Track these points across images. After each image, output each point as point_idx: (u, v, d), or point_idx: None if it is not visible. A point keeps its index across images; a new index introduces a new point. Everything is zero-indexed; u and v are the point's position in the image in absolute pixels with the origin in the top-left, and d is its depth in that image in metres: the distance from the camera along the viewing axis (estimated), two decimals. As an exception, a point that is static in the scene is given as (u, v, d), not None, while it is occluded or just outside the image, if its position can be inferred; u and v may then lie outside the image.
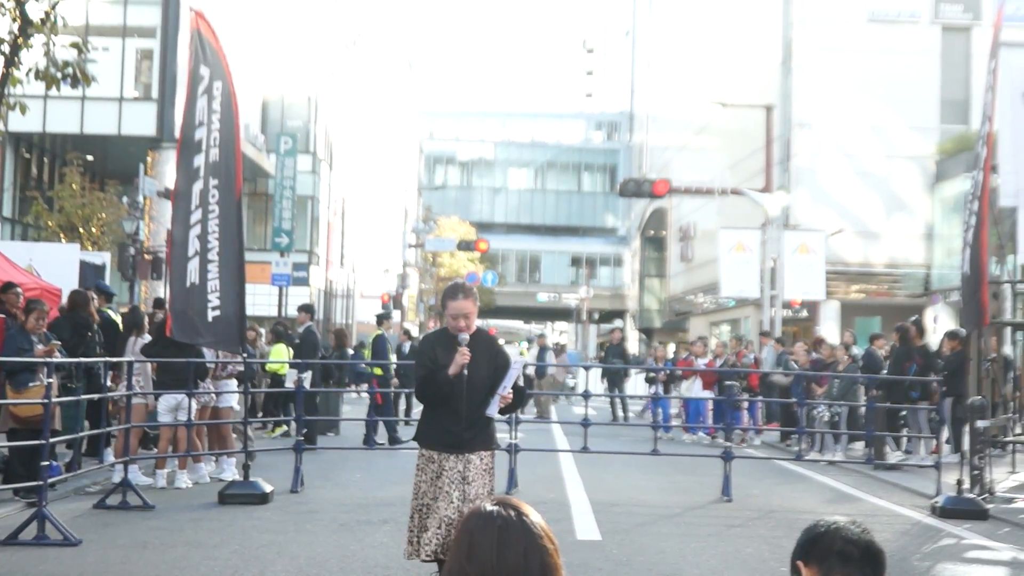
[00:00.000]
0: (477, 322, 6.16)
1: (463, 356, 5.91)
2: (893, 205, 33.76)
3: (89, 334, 11.48)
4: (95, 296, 13.07)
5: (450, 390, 5.93)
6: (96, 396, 11.68)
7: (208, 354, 11.68)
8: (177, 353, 10.89)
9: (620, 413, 23.58)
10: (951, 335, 15.47)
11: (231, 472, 11.87)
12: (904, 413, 15.68)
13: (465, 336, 5.98)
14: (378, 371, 17.68)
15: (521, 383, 6.15)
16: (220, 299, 10.46)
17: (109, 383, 11.84)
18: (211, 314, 10.44)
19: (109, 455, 12.31)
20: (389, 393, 17.73)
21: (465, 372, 5.92)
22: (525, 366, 22.08)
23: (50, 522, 8.15)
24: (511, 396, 5.95)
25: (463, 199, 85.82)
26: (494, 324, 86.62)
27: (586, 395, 18.87)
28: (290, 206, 38.38)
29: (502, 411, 6.04)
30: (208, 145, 10.52)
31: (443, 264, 64.05)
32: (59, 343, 10.26)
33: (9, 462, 10.10)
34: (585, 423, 13.77)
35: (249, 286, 12.08)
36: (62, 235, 25.34)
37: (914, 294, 33.44)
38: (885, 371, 15.97)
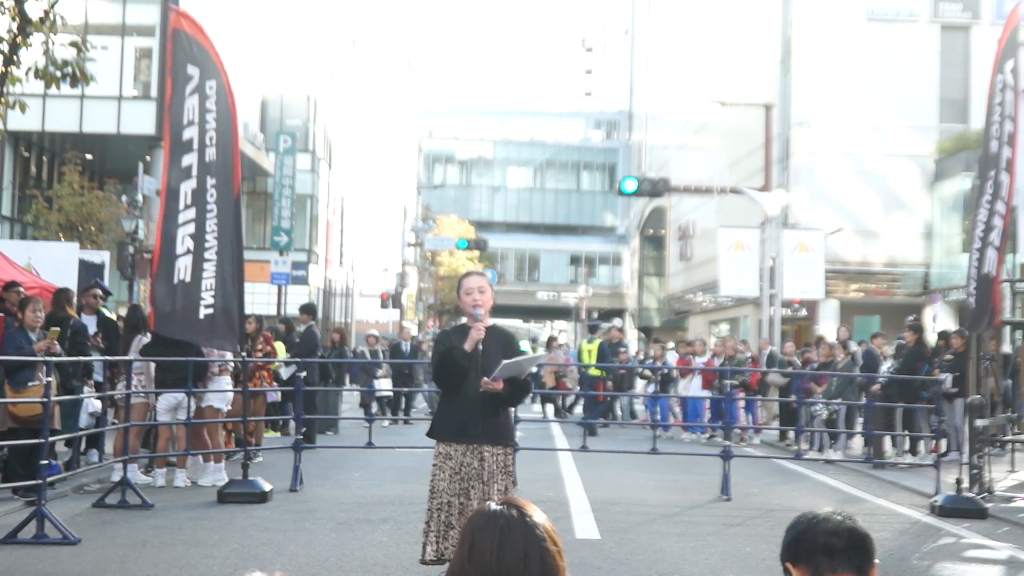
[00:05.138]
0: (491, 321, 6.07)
1: (478, 331, 5.84)
2: (892, 204, 33.78)
3: (69, 332, 11.37)
4: (99, 294, 13.05)
5: (466, 367, 5.84)
6: (96, 395, 11.69)
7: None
8: (178, 352, 10.87)
9: (619, 412, 23.58)
10: (960, 334, 15.24)
11: (212, 478, 11.46)
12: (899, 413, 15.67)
13: (480, 310, 5.90)
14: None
15: (526, 376, 6.08)
16: (215, 297, 10.45)
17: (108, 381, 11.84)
18: (203, 312, 10.44)
19: (94, 455, 12.29)
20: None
21: (480, 348, 5.84)
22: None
23: (49, 521, 8.15)
24: (501, 385, 5.84)
25: (462, 198, 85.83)
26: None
27: (584, 394, 18.92)
28: (289, 205, 38.37)
29: (508, 399, 5.95)
30: (203, 144, 10.50)
31: (442, 263, 64.01)
32: (57, 329, 10.24)
33: (8, 461, 10.10)
34: (584, 422, 13.80)
35: (248, 285, 12.03)
36: (60, 234, 25.34)
37: (913, 293, 33.45)
38: (888, 368, 15.94)
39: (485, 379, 5.76)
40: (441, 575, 6.16)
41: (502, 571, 2.13)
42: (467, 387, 5.86)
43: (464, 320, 6.11)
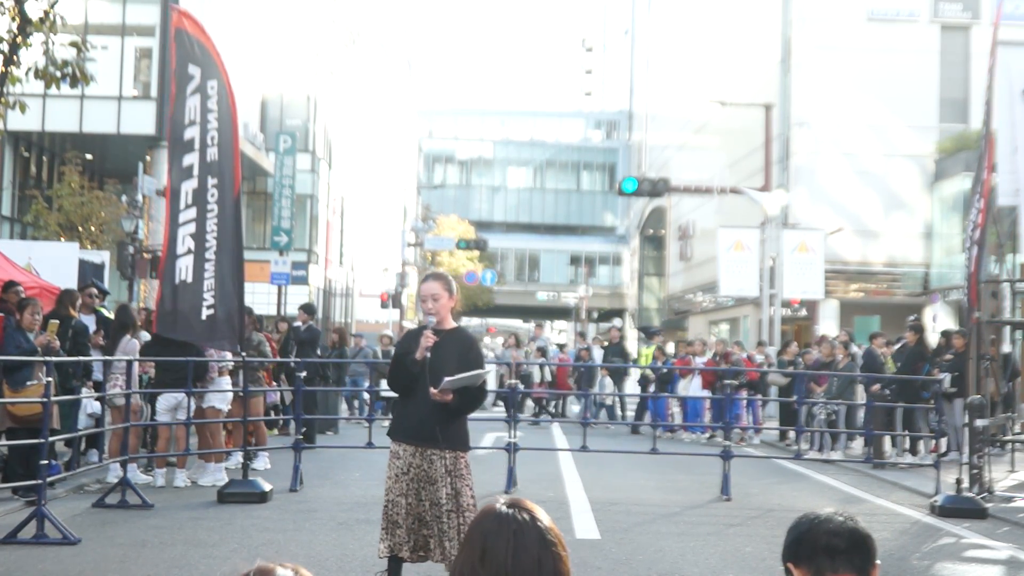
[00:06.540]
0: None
1: (427, 339, 5.92)
2: (892, 204, 33.77)
3: (71, 332, 11.38)
4: (94, 293, 13.04)
5: (416, 373, 5.91)
6: (95, 395, 11.68)
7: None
8: (177, 352, 10.86)
9: (619, 412, 23.56)
10: (961, 334, 15.16)
11: (212, 477, 11.43)
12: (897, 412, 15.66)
13: (432, 319, 6.00)
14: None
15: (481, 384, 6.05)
16: (215, 297, 10.45)
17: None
18: (205, 312, 10.44)
19: (94, 455, 12.28)
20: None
21: (428, 355, 5.89)
22: (508, 365, 22.12)
23: (49, 521, 8.15)
24: (450, 397, 5.86)
25: (462, 198, 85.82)
26: (493, 323, 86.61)
27: (586, 395, 18.88)
28: (289, 205, 38.35)
29: (460, 408, 5.96)
30: (204, 144, 10.51)
31: (442, 263, 64.00)
32: (56, 322, 10.22)
33: (8, 461, 10.10)
34: (584, 422, 13.80)
35: (248, 285, 12.01)
36: (61, 234, 25.33)
37: (913, 293, 33.45)
38: (888, 369, 15.92)
39: (433, 390, 5.81)
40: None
41: (516, 575, 2.13)
42: (419, 392, 5.92)
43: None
